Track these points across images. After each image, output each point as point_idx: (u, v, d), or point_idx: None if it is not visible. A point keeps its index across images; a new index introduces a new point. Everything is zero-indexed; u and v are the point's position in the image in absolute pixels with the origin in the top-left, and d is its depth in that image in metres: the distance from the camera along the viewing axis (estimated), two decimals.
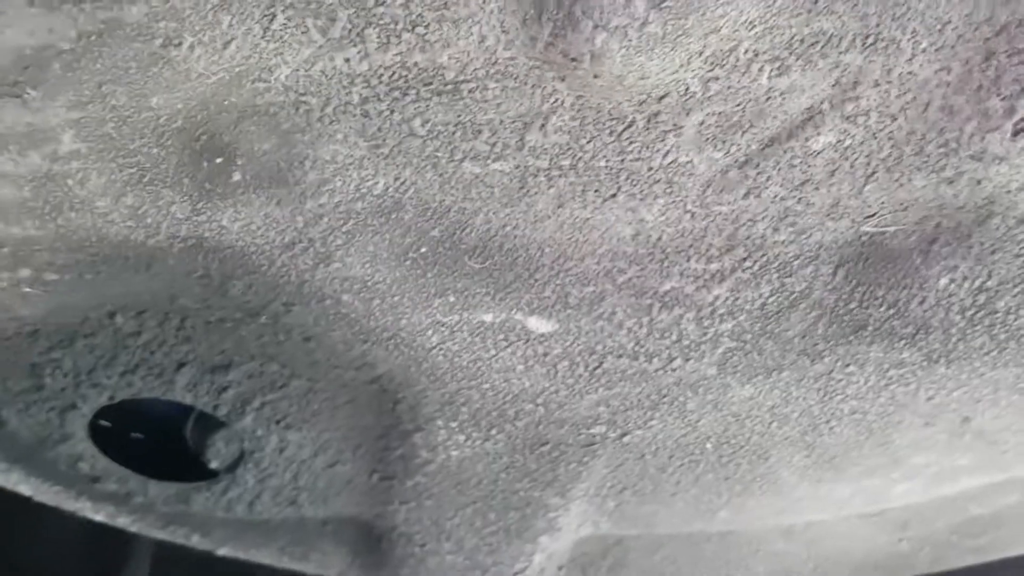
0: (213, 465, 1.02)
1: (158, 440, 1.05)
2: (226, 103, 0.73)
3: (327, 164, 0.77)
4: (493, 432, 0.98)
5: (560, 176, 0.78)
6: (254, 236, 0.81)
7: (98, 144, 0.72)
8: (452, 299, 0.87)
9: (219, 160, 0.76)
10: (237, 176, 0.77)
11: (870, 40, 0.68)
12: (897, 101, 0.71)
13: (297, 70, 0.71)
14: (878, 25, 0.68)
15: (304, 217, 0.80)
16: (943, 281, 0.80)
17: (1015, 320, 0.81)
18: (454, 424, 0.98)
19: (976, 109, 0.70)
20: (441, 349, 0.91)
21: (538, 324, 0.89)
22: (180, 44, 0.67)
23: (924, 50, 0.68)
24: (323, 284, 0.85)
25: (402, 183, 0.79)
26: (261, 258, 0.83)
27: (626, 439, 0.99)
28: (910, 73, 0.70)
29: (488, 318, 0.88)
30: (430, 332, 0.89)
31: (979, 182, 0.74)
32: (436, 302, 0.87)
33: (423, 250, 0.84)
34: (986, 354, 0.85)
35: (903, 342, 0.85)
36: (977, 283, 0.79)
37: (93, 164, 0.73)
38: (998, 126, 0.70)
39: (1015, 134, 0.70)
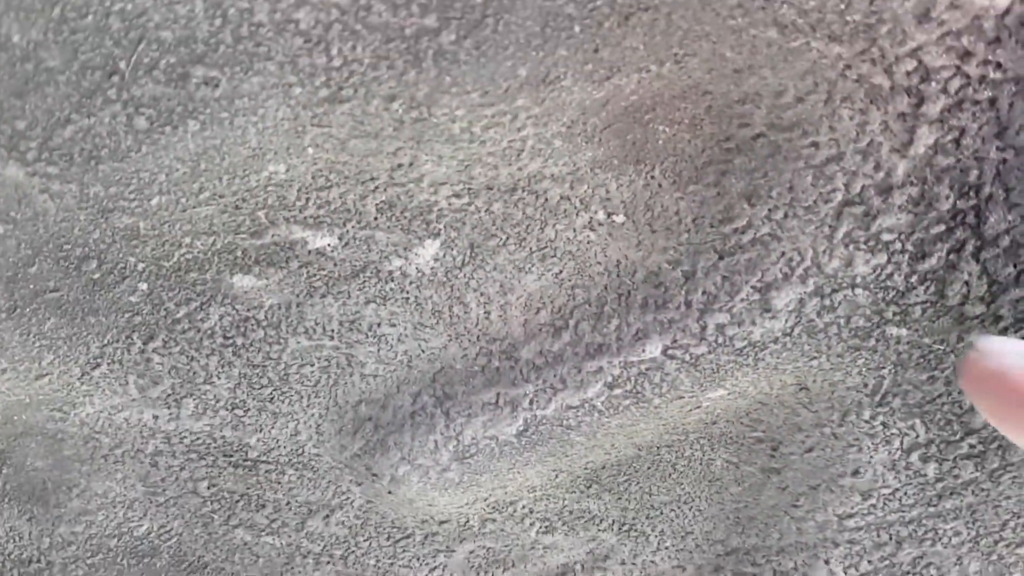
0: None
1: None
2: (16, 418, 0.70)
3: (95, 497, 0.75)
4: None
5: (328, 563, 0.80)
6: None
7: None
8: None
9: None
10: None
11: (625, 528, 0.78)
12: None
13: (101, 411, 0.71)
14: (634, 519, 0.78)
15: (51, 540, 0.76)
16: None
17: None
18: None
19: None
20: None
21: None
22: None
23: (667, 547, 0.79)
24: None
25: (167, 532, 0.77)
26: None
27: None
28: (652, 562, 0.80)
29: None
30: None
31: None
32: None
33: None
34: None
35: None
36: None
37: None
38: None
39: None
